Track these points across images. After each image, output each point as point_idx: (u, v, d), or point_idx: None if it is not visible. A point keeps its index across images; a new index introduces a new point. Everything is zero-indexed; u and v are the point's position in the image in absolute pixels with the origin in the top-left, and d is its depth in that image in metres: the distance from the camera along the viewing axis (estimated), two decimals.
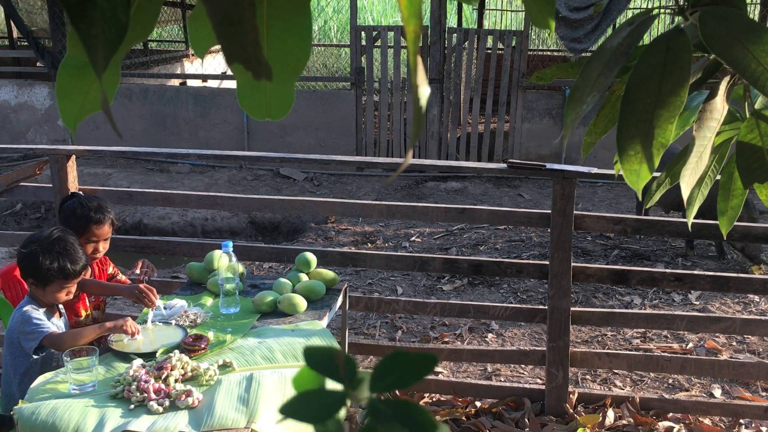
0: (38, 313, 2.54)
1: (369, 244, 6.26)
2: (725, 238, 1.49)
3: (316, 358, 0.59)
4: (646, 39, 0.90)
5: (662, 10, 0.95)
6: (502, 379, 3.89)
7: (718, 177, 1.15)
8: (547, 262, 3.27)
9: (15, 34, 9.91)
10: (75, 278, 2.57)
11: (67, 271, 2.50)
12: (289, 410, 0.57)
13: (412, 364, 0.59)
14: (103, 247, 2.88)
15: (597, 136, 1.03)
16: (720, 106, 0.92)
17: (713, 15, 0.80)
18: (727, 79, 0.95)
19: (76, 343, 2.38)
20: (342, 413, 0.60)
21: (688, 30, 0.82)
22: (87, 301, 2.93)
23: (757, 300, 4.85)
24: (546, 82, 1.13)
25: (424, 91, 0.65)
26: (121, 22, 0.63)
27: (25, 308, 2.54)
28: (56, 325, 2.64)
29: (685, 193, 0.93)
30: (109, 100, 0.80)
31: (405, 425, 0.55)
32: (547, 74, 1.12)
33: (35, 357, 2.51)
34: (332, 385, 0.60)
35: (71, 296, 2.62)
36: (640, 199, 0.99)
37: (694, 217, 1.18)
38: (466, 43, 8.22)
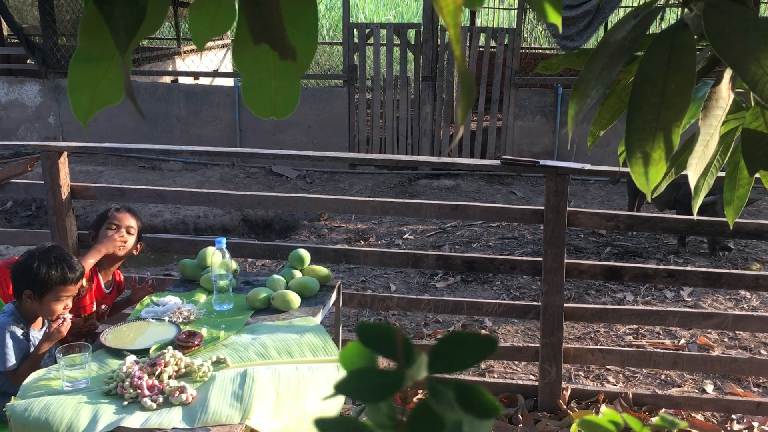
0: (16, 332, 2.49)
1: (362, 242, 6.25)
2: (731, 228, 1.50)
3: (370, 335, 0.57)
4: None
5: (664, 2, 0.95)
6: (496, 376, 3.90)
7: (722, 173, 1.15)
8: (541, 259, 3.27)
9: (5, 31, 9.85)
10: (73, 285, 2.52)
11: (66, 277, 2.48)
12: (345, 388, 0.55)
13: (472, 345, 0.56)
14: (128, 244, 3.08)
15: (603, 126, 1.04)
16: (725, 94, 0.92)
17: (718, 9, 0.79)
18: None
19: (31, 369, 2.37)
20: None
21: (692, 22, 0.82)
22: (91, 295, 2.94)
23: (749, 296, 4.87)
24: (553, 71, 1.13)
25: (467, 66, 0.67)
26: (140, 5, 0.67)
27: (2, 324, 2.49)
28: (35, 338, 2.58)
29: (692, 182, 0.93)
30: (121, 89, 0.80)
31: (465, 407, 0.53)
32: (553, 64, 1.12)
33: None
34: (385, 363, 0.58)
35: (67, 310, 2.55)
36: (649, 199, 1.00)
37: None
38: None
